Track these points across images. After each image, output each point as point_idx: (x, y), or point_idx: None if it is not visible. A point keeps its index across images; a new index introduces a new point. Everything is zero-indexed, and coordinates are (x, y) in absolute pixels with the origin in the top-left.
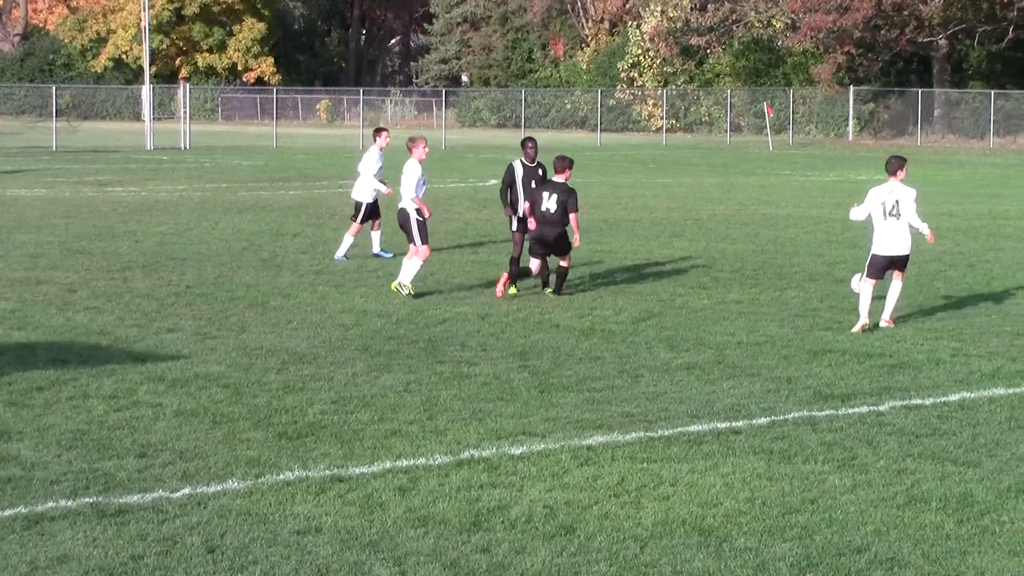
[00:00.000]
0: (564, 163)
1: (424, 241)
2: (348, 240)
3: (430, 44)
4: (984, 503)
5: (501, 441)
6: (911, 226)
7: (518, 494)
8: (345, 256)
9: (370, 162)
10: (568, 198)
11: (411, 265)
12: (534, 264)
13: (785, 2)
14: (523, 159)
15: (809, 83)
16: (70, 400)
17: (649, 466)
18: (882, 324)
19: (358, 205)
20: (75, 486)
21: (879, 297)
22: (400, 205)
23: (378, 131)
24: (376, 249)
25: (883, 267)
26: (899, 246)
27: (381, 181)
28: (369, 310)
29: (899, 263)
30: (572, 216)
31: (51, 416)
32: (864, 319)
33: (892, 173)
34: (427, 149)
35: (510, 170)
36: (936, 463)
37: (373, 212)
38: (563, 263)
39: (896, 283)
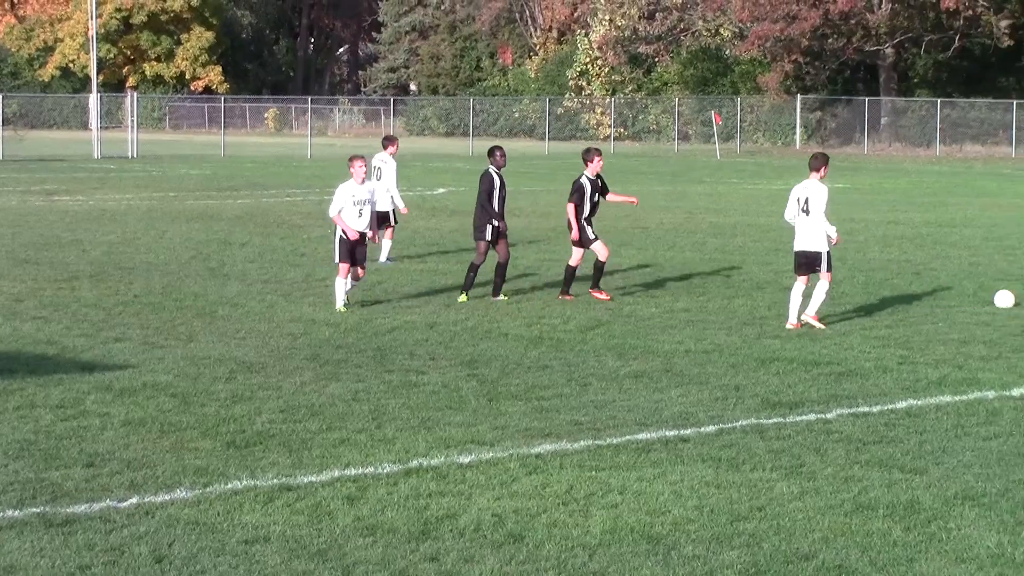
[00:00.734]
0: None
1: (341, 259)
2: (387, 245)
3: (378, 53)
4: (931, 510)
5: (450, 450)
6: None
7: (467, 502)
8: (391, 259)
9: (391, 171)
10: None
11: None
12: (602, 250)
13: (733, 11)
14: (494, 167)
15: (757, 91)
16: (17, 410)
17: (597, 474)
18: (805, 318)
19: (387, 214)
20: (22, 496)
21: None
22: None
23: (390, 140)
24: (383, 258)
25: (799, 263)
26: (809, 242)
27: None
28: (317, 319)
29: (814, 259)
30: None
31: None
32: (793, 319)
33: (814, 170)
34: (364, 170)
35: (489, 179)
36: (883, 470)
37: (386, 219)
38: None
39: (822, 283)
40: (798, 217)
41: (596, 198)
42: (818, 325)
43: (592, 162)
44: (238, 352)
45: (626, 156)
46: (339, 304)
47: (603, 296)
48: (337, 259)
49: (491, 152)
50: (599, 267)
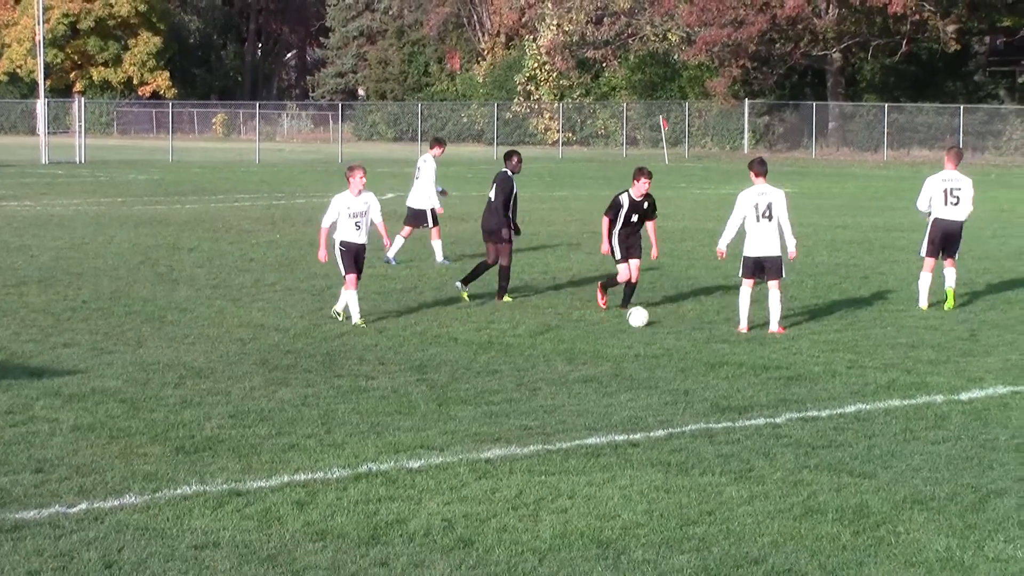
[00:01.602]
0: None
1: (347, 271)
2: (438, 245)
3: (326, 58)
4: (880, 514)
5: (399, 454)
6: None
7: (416, 507)
8: (447, 259)
9: (430, 171)
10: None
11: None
12: (625, 272)
13: (680, 16)
14: (510, 171)
15: (704, 96)
16: None
17: (547, 479)
18: (772, 332)
19: (423, 213)
20: None
21: (758, 301)
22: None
23: (438, 142)
24: (439, 258)
25: (754, 268)
26: (769, 247)
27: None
28: (267, 324)
29: (771, 265)
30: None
31: None
32: (744, 324)
33: (762, 175)
34: (362, 181)
35: (509, 183)
36: (832, 474)
37: (419, 218)
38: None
39: (773, 292)
40: (759, 223)
41: (634, 219)
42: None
43: (638, 181)
44: (187, 357)
45: (574, 161)
46: (356, 318)
47: (602, 302)
48: (343, 271)
49: (508, 156)
50: (611, 281)
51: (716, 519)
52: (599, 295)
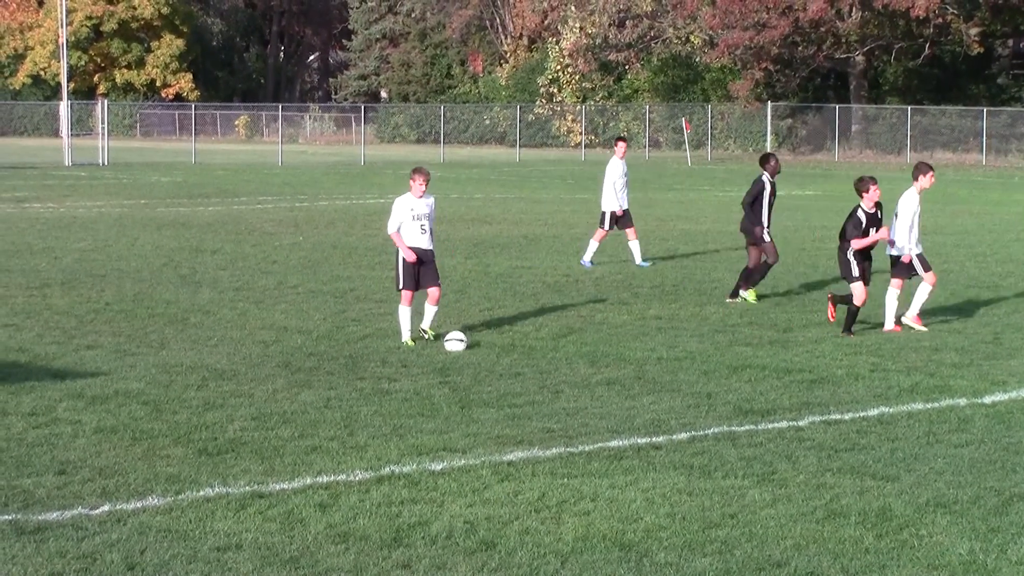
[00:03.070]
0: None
1: (404, 286)
2: (593, 246)
3: (349, 60)
4: (903, 517)
5: (422, 457)
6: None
7: (439, 510)
8: (591, 262)
9: (615, 172)
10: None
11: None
12: (862, 295)
13: (703, 19)
14: (768, 175)
15: (727, 99)
16: None
17: (569, 481)
18: (907, 321)
19: (602, 214)
20: None
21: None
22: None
23: (621, 139)
24: (638, 260)
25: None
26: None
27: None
28: (289, 326)
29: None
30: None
31: None
32: (890, 323)
33: (915, 179)
34: (424, 184)
35: (760, 185)
36: (855, 478)
37: (624, 221)
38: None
39: (924, 285)
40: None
41: (873, 232)
42: (918, 327)
43: (868, 192)
44: (210, 359)
45: (597, 163)
46: (405, 336)
47: (832, 315)
48: (400, 285)
49: (765, 159)
50: (853, 311)
51: (739, 522)
52: (830, 308)
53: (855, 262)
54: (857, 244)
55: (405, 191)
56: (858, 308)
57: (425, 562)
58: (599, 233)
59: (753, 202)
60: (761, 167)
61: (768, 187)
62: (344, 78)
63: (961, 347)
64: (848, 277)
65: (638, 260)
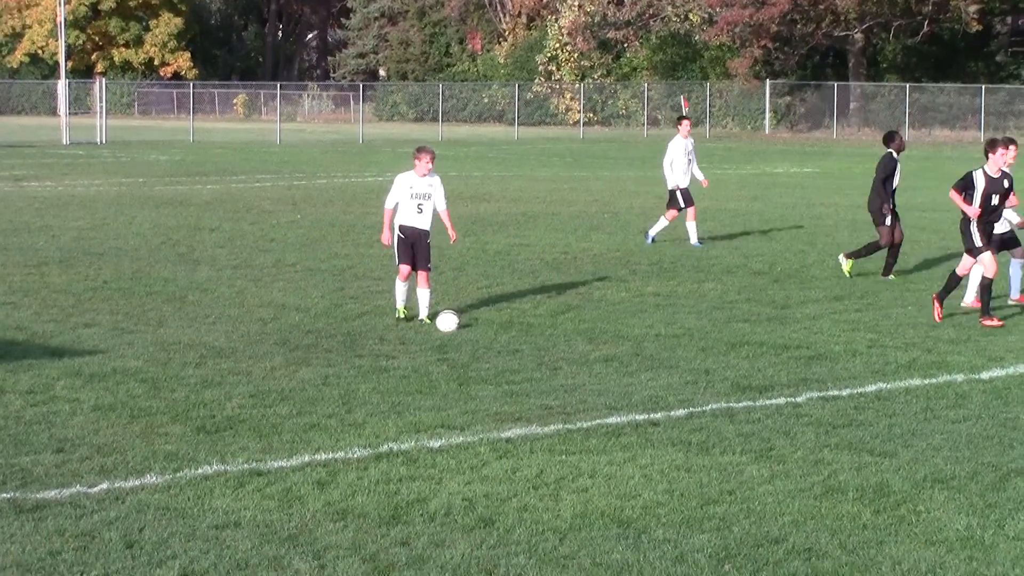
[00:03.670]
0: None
1: (400, 260)
2: (692, 227)
3: (347, 39)
4: (900, 493)
5: (420, 434)
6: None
7: (437, 487)
8: (700, 241)
9: (675, 151)
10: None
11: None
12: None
13: None
14: (895, 151)
15: (726, 77)
16: None
17: (568, 458)
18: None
19: (672, 192)
20: None
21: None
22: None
23: (681, 120)
24: (693, 240)
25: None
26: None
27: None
28: (287, 304)
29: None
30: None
31: None
32: (1015, 293)
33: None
34: (429, 164)
35: (891, 163)
36: (853, 454)
37: (687, 199)
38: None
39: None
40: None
41: (994, 201)
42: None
43: (994, 153)
44: (208, 337)
45: (595, 141)
46: (399, 304)
47: (977, 313)
48: (397, 260)
49: (890, 137)
50: (985, 284)
51: (736, 498)
52: (936, 308)
53: (976, 233)
54: (968, 210)
55: (403, 169)
56: (990, 280)
57: (423, 539)
58: (670, 213)
59: (885, 180)
60: (886, 145)
61: (893, 165)
62: (342, 56)
63: (959, 323)
64: (972, 249)
65: (693, 240)
